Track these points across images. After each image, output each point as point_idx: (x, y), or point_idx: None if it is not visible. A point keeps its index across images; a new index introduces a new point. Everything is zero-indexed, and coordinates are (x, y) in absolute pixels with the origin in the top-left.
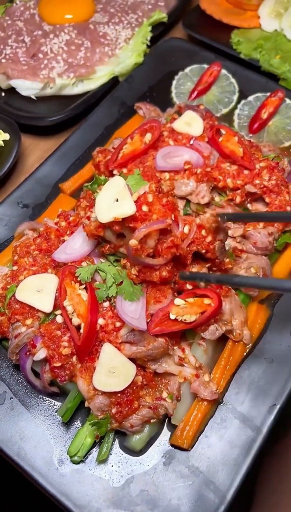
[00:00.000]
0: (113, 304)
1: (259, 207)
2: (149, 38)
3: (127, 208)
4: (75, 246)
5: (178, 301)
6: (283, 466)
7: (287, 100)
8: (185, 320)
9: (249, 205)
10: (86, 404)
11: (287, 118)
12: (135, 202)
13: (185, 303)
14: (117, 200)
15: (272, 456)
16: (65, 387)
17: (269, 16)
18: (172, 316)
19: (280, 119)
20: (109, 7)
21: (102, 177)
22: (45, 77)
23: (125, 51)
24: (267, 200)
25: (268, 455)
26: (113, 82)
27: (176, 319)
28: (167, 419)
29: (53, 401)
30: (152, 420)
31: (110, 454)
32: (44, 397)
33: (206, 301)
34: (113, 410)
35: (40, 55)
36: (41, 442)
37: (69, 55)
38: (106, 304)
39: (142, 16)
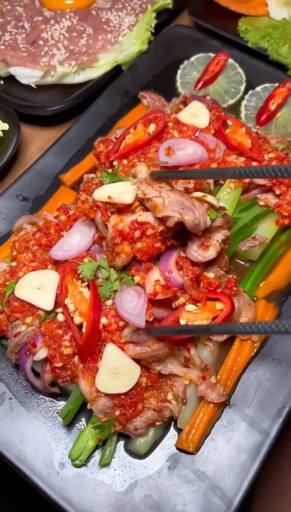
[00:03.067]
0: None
1: (269, 198)
2: (153, 25)
3: (124, 197)
4: (73, 242)
5: (190, 307)
6: (284, 465)
7: None
8: None
9: (259, 195)
10: (88, 406)
11: None
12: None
13: (196, 309)
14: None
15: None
16: (66, 388)
17: (277, 4)
18: (182, 322)
19: (288, 111)
20: None
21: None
22: (45, 64)
23: (129, 39)
24: (277, 192)
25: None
26: (116, 70)
27: (186, 325)
28: (172, 422)
29: (54, 401)
30: (156, 423)
31: (113, 457)
32: (44, 398)
33: (218, 305)
34: (117, 413)
35: (41, 42)
36: (41, 444)
37: (71, 42)
38: (109, 302)
39: (147, 2)
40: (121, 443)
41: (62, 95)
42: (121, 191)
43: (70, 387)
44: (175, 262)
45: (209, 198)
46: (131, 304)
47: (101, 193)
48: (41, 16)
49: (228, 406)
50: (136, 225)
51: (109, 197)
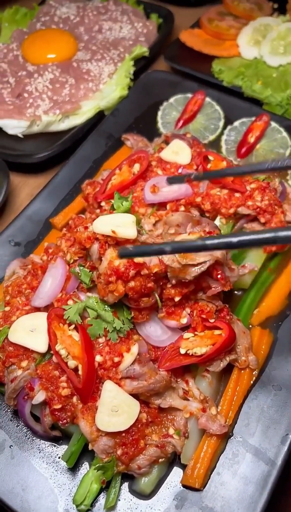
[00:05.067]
0: (109, 339)
1: (255, 227)
2: (131, 72)
3: (128, 231)
4: (46, 288)
5: (187, 334)
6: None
7: (273, 123)
8: (195, 353)
9: (245, 225)
10: (90, 447)
11: (274, 141)
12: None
13: (194, 336)
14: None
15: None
16: (67, 430)
17: (248, 44)
18: (182, 351)
19: (267, 142)
20: (91, 44)
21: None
22: (31, 115)
23: (109, 86)
24: (262, 220)
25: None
26: (99, 116)
27: (186, 353)
28: (176, 458)
29: (56, 446)
30: (160, 460)
31: (119, 500)
32: (45, 443)
33: (217, 332)
34: (119, 452)
35: (26, 95)
36: (45, 492)
37: (54, 92)
38: (101, 340)
39: (124, 51)
40: (125, 485)
41: (49, 143)
42: (121, 223)
43: (72, 429)
44: None
45: None
46: (157, 333)
47: (104, 227)
48: (25, 70)
49: (231, 438)
50: (132, 265)
51: (113, 232)
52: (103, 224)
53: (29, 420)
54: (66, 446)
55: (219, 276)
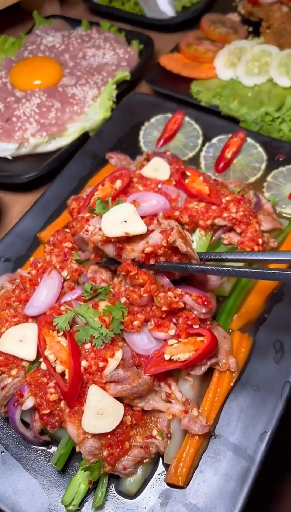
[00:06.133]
0: (94, 344)
1: (232, 237)
2: (114, 95)
3: (138, 227)
4: (41, 297)
5: (171, 341)
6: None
7: (248, 139)
8: (179, 358)
9: (223, 235)
10: (77, 449)
11: (250, 156)
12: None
13: (178, 343)
14: (125, 221)
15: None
16: (56, 434)
17: (224, 66)
18: (167, 357)
19: (243, 157)
20: (76, 70)
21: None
22: (19, 138)
23: (93, 108)
24: (238, 230)
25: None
26: (84, 137)
27: (170, 359)
28: (160, 459)
29: (46, 450)
30: (144, 460)
31: (106, 500)
32: (36, 448)
33: (199, 338)
34: (105, 453)
35: (14, 119)
36: (35, 494)
37: (41, 116)
38: (87, 346)
39: (107, 76)
40: (112, 486)
41: (36, 163)
42: (125, 217)
43: (60, 433)
44: None
45: None
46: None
47: (115, 229)
48: (13, 96)
49: (213, 437)
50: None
51: (126, 233)
52: (111, 224)
53: (19, 426)
54: (56, 450)
55: (205, 302)
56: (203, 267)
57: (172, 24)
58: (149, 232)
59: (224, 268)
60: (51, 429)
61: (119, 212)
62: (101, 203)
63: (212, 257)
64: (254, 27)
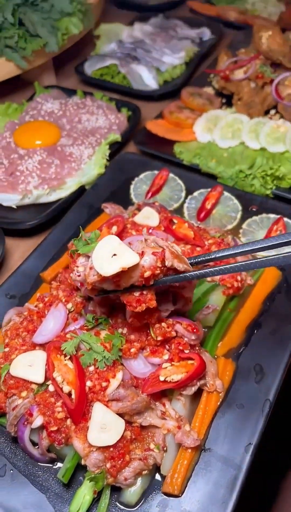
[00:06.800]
0: (97, 367)
1: (215, 277)
2: (107, 154)
3: (131, 258)
4: (49, 327)
5: (166, 364)
6: None
7: (225, 193)
8: (172, 379)
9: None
10: (82, 462)
11: (227, 207)
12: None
13: (171, 366)
14: (115, 255)
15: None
16: (61, 452)
17: (202, 131)
18: (161, 378)
19: (221, 208)
20: (72, 132)
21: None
22: (23, 190)
23: (89, 165)
24: None
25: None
26: (81, 190)
27: (165, 380)
28: (156, 473)
29: (52, 467)
30: (143, 472)
31: (109, 510)
32: (42, 465)
33: (190, 361)
34: (108, 465)
35: (18, 173)
36: (43, 507)
37: (42, 171)
38: (91, 368)
39: (100, 138)
40: (114, 498)
41: (38, 212)
42: (112, 251)
43: (65, 451)
44: None
45: None
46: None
47: (112, 266)
48: (17, 153)
49: (203, 450)
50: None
51: (123, 268)
52: (103, 262)
53: (28, 445)
54: (61, 466)
55: (194, 330)
56: (201, 271)
57: (155, 95)
58: (140, 255)
59: (222, 267)
60: (58, 445)
61: (106, 247)
62: (80, 241)
63: (201, 259)
64: (226, 99)
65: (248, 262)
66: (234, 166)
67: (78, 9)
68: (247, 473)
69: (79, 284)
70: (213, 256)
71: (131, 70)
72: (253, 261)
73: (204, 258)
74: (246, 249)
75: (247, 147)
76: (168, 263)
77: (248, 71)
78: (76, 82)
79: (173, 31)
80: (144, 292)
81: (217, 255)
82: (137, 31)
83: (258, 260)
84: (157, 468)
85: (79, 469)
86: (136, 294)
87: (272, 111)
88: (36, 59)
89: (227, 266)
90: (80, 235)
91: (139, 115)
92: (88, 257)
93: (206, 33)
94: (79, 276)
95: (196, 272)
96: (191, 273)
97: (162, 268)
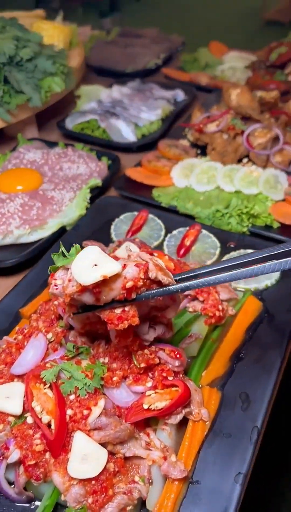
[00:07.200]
0: (78, 395)
1: (196, 305)
2: (88, 197)
3: (113, 267)
4: (28, 357)
5: (149, 392)
6: None
7: (203, 231)
8: (156, 407)
9: (188, 304)
10: (62, 497)
11: (206, 244)
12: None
13: (155, 393)
14: (95, 265)
15: None
16: (39, 491)
17: (179, 177)
18: (145, 406)
19: (200, 245)
20: (54, 178)
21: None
22: (4, 231)
23: (70, 207)
24: (201, 298)
25: None
26: (63, 230)
27: (149, 408)
28: (141, 509)
29: (29, 507)
30: (128, 508)
31: None
32: (18, 505)
33: (174, 388)
34: (90, 500)
35: None
36: None
37: (24, 213)
38: (72, 397)
39: (82, 183)
40: None
41: (19, 251)
42: (92, 261)
43: (43, 489)
44: None
45: None
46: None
47: (90, 276)
48: None
49: (191, 483)
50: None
51: (104, 276)
52: (83, 272)
53: (3, 483)
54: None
55: (178, 355)
56: (186, 284)
57: (134, 147)
58: (123, 267)
59: (207, 279)
60: (35, 481)
61: (86, 257)
62: (60, 256)
63: (185, 276)
64: (201, 150)
65: (232, 273)
66: (211, 206)
67: (61, 71)
68: (237, 504)
69: (61, 311)
70: (197, 273)
71: (110, 124)
72: (238, 271)
73: (187, 275)
74: (231, 263)
75: (222, 191)
76: (151, 275)
77: (220, 124)
78: (58, 136)
79: (149, 92)
80: (126, 309)
81: (201, 271)
82: (116, 92)
83: (244, 270)
84: (142, 502)
85: (58, 508)
86: (118, 311)
87: (245, 160)
88: (20, 113)
89: (212, 277)
90: (60, 250)
91: (119, 164)
92: (68, 269)
93: (180, 95)
94: (57, 289)
95: (180, 285)
96: (175, 285)
97: (145, 280)
